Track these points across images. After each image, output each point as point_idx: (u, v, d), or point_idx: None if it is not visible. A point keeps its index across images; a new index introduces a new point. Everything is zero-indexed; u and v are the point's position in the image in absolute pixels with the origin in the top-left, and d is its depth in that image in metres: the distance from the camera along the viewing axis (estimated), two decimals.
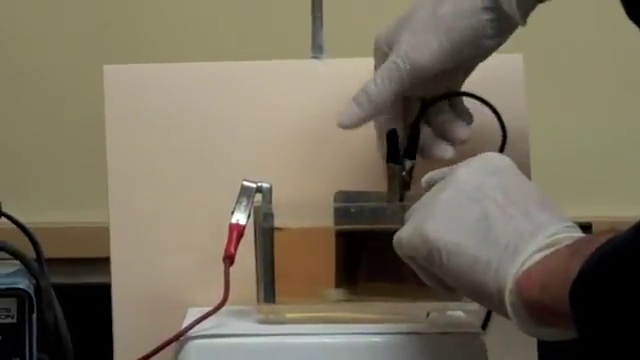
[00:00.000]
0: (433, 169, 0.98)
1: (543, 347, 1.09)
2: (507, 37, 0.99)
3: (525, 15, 0.98)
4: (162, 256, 1.08)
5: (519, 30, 1.05)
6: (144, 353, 0.93)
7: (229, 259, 0.93)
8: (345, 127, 1.01)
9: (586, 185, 1.53)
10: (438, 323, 0.93)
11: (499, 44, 1.00)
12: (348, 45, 1.10)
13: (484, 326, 1.02)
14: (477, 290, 0.85)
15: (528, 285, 0.83)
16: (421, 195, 0.96)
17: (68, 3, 1.49)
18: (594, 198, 1.53)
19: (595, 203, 1.52)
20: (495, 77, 1.05)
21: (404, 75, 0.98)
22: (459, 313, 0.96)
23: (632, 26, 0.88)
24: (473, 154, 1.03)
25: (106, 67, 1.12)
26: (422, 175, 0.98)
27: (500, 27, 0.98)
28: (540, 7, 1.00)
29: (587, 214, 1.41)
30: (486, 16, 0.97)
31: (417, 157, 1.01)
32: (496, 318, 1.04)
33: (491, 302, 0.85)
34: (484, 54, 1.00)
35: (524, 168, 1.01)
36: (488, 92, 1.03)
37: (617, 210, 1.52)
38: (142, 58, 1.34)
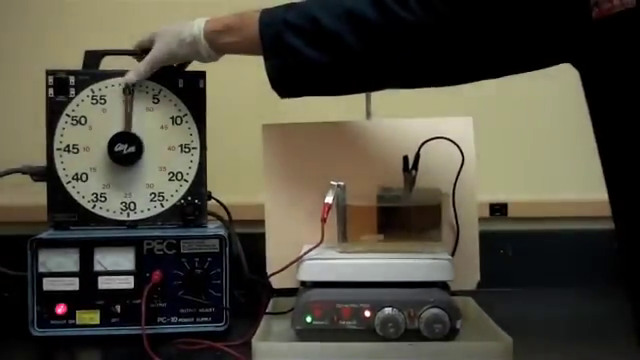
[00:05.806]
0: (427, 177, 1.28)
1: (484, 269, 1.33)
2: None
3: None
4: (291, 220, 1.35)
5: (472, 96, 1.33)
6: (282, 266, 1.23)
7: (323, 221, 1.23)
8: (130, 81, 1.34)
9: (502, 176, 1.63)
10: (427, 253, 1.24)
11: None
12: (389, 111, 1.39)
13: (452, 254, 1.33)
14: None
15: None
16: (422, 190, 1.26)
17: (237, 75, 1.52)
18: (508, 186, 1.65)
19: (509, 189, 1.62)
20: (450, 134, 1.33)
21: (151, 62, 1.30)
22: (440, 247, 1.27)
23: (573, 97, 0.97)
24: (441, 177, 1.31)
25: (263, 125, 1.36)
26: (422, 179, 1.28)
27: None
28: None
29: (504, 197, 1.65)
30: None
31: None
32: (459, 251, 1.33)
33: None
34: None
35: (472, 187, 1.32)
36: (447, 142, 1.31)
37: (529, 194, 1.66)
38: (285, 117, 1.39)
